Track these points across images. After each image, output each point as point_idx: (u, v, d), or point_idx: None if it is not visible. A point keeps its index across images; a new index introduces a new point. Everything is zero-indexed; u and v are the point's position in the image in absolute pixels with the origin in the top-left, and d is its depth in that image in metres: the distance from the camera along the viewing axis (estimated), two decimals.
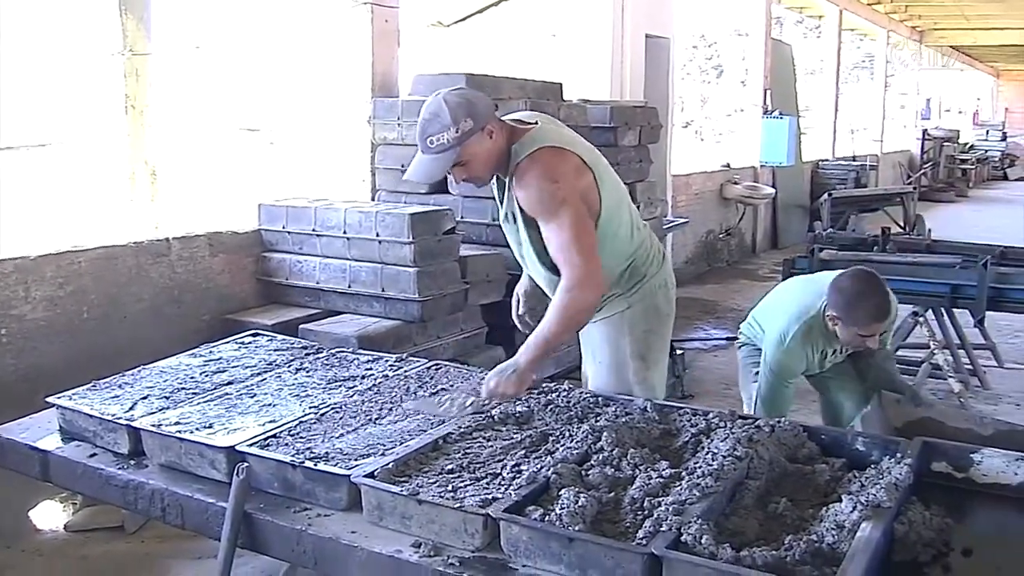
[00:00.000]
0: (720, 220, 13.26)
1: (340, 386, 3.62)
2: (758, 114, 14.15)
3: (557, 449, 2.87)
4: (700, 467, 2.68)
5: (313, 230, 5.47)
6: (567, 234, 3.27)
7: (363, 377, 3.71)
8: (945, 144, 26.90)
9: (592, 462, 2.77)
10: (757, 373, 4.50)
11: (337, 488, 2.80)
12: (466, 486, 2.67)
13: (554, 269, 3.40)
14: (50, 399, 3.56)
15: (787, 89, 15.35)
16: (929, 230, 12.13)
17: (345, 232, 5.33)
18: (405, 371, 3.75)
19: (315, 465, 2.85)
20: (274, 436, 3.09)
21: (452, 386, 3.58)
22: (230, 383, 3.67)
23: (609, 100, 8.04)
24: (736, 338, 5.02)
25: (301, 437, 3.09)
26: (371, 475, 2.73)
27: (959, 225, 16.15)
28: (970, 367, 7.03)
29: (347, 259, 5.35)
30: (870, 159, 19.02)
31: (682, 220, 9.58)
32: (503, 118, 3.44)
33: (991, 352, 7.42)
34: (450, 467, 2.81)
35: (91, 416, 3.37)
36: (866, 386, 4.49)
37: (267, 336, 4.33)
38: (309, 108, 7.28)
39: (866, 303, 4.07)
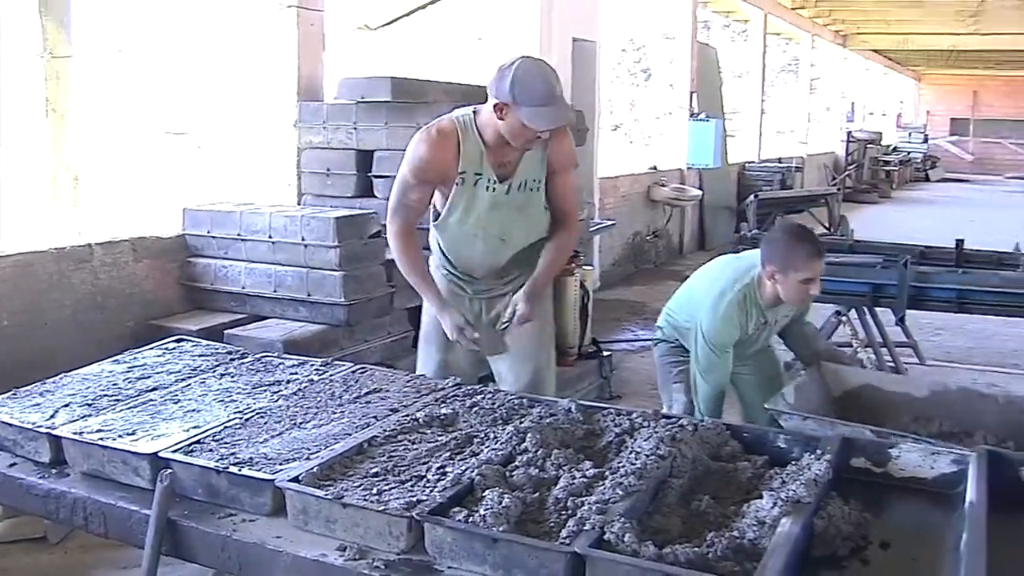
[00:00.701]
0: (647, 222, 13.35)
1: (265, 391, 3.59)
2: (685, 117, 14.27)
3: (482, 451, 2.89)
4: (623, 466, 2.70)
5: (238, 234, 5.43)
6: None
7: (288, 382, 3.69)
8: (869, 146, 27.34)
9: (516, 463, 2.78)
10: (676, 372, 4.53)
11: (261, 493, 2.78)
12: (391, 489, 2.67)
13: (541, 228, 4.00)
14: None
15: (713, 92, 15.50)
16: (852, 230, 12.30)
17: (270, 236, 5.31)
18: (330, 375, 3.73)
19: (239, 470, 2.83)
20: (198, 442, 3.06)
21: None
22: (154, 389, 3.61)
23: None
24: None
25: (225, 443, 3.06)
26: (296, 479, 2.71)
27: (882, 225, 16.43)
28: (892, 365, 7.14)
29: (273, 263, 5.32)
30: (796, 161, 19.27)
31: (609, 222, 9.65)
32: None
33: (913, 350, 7.54)
34: (375, 470, 2.80)
35: (10, 425, 3.30)
36: (802, 361, 4.57)
37: (192, 342, 4.28)
38: (235, 112, 7.24)
39: (802, 243, 4.13)
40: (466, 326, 3.86)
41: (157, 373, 3.82)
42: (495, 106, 3.62)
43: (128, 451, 3.04)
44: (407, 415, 3.23)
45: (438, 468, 2.78)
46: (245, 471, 2.83)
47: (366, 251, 5.24)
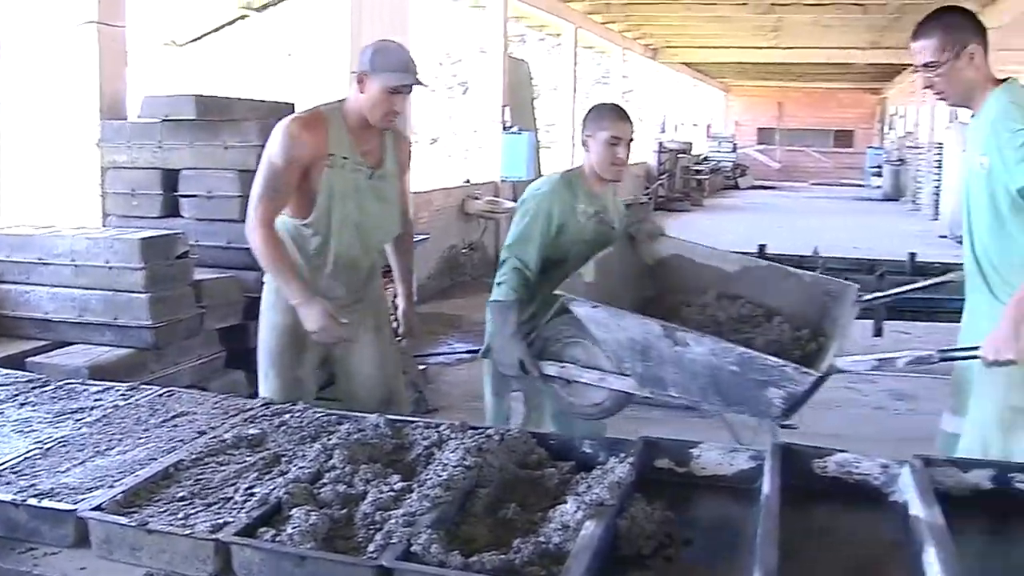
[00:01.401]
0: (462, 235, 13.47)
1: (68, 419, 3.48)
2: (498, 130, 14.43)
3: (290, 469, 2.88)
4: (430, 478, 2.73)
5: (39, 258, 5.24)
6: None
7: (92, 408, 3.59)
8: (680, 156, 28.15)
9: (324, 480, 2.78)
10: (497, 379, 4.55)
11: (63, 524, 2.70)
12: (198, 512, 2.64)
13: (395, 226, 4.31)
14: None
15: (525, 105, 15.71)
16: None
17: (73, 260, 5.14)
18: (136, 400, 3.66)
19: (39, 502, 2.75)
20: None
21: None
22: None
23: None
24: (479, 351, 4.92)
25: (25, 474, 2.96)
26: (98, 508, 2.65)
27: (695, 233, 16.82)
28: None
29: (76, 288, 5.14)
30: None
31: (423, 236, 9.68)
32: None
33: None
34: (181, 494, 2.76)
35: None
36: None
37: None
38: (35, 131, 7.00)
39: (609, 107, 4.51)
40: (336, 313, 3.92)
41: None
42: (357, 80, 3.97)
43: None
44: (215, 437, 3.19)
45: (246, 489, 2.75)
46: (45, 502, 2.74)
47: (174, 272, 5.14)
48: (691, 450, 3.05)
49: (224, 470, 2.93)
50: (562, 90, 20.66)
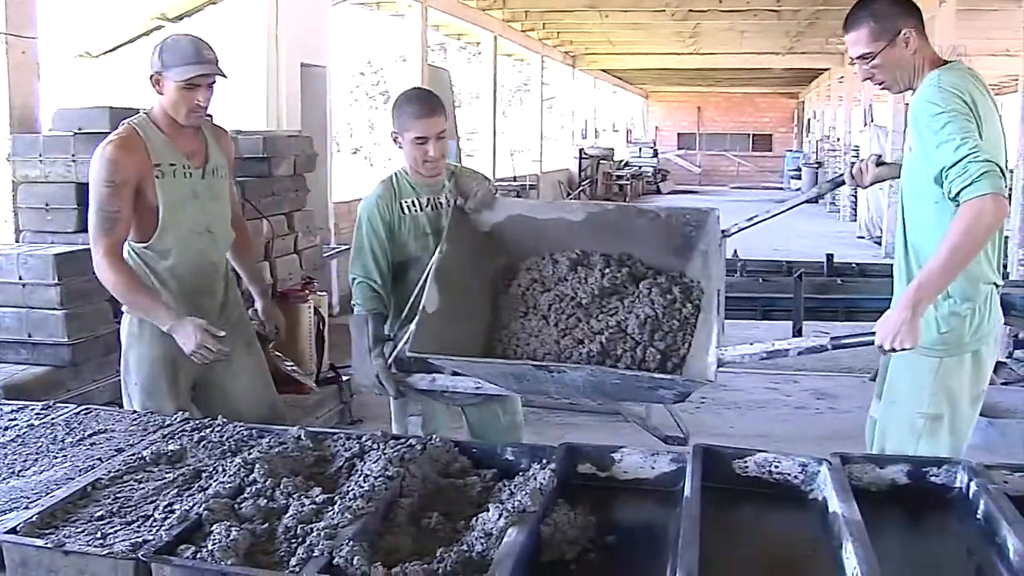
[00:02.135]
0: None
1: None
2: None
3: (210, 485, 2.85)
4: (352, 490, 2.72)
5: None
6: None
7: (7, 429, 3.51)
8: (602, 162, 28.40)
9: (246, 495, 2.76)
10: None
11: None
12: (116, 531, 2.59)
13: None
14: None
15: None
16: None
17: None
18: (52, 418, 3.58)
19: None
20: None
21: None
22: None
23: (263, 130, 8.02)
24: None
25: None
26: (13, 531, 2.60)
27: None
28: None
29: None
30: (530, 179, 19.78)
31: (344, 246, 9.63)
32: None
33: None
34: (100, 513, 2.72)
35: None
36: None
37: None
38: None
39: (409, 104, 4.00)
40: (210, 327, 3.76)
41: None
42: (154, 82, 3.84)
43: None
44: (133, 454, 3.15)
45: (165, 506, 2.72)
46: None
47: (89, 288, 5.05)
48: (613, 454, 3.07)
49: (143, 487, 2.89)
50: (483, 98, 20.70)
